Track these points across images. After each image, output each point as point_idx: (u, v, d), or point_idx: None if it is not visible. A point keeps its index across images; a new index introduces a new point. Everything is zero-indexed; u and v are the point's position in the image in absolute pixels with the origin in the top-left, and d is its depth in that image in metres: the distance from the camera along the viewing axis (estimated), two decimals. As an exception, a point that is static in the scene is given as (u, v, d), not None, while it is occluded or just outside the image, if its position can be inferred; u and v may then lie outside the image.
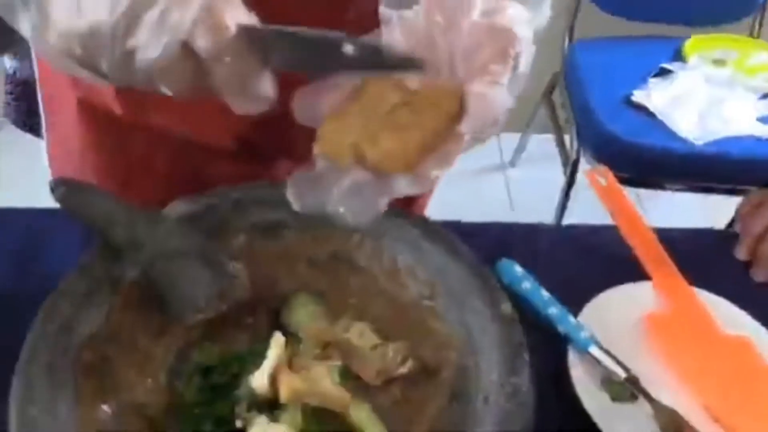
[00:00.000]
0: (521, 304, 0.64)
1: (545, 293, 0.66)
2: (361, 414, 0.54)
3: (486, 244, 0.72)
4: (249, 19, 0.46)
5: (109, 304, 0.57)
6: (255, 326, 0.60)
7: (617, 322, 0.67)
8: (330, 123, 0.51)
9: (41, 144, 0.90)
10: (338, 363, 0.56)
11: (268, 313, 0.60)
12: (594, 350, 0.63)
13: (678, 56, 1.79)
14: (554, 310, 0.65)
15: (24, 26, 0.47)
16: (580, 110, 1.72)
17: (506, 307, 0.58)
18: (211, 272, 0.56)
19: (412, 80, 0.51)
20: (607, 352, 0.63)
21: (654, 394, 0.62)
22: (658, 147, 1.57)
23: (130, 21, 0.42)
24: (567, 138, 1.84)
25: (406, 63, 0.48)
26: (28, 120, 1.66)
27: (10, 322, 0.56)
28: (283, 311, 0.60)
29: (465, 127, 0.48)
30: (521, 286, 0.66)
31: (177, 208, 0.61)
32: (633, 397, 0.63)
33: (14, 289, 0.65)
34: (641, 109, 1.65)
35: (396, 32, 0.51)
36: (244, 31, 0.44)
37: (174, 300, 0.56)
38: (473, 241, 0.69)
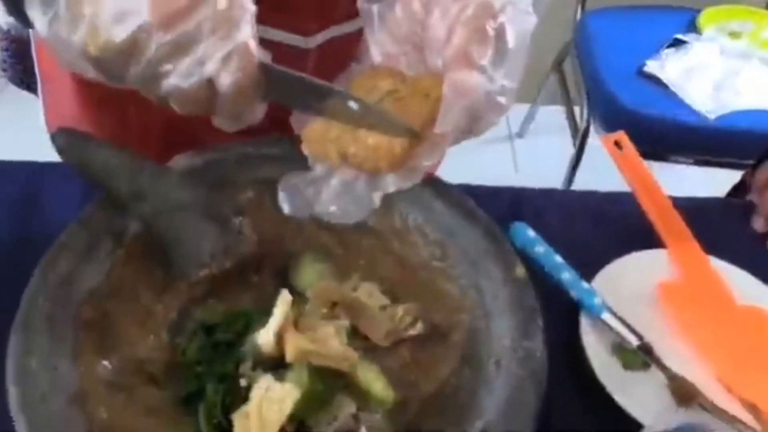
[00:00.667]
0: (533, 268, 0.62)
1: (558, 258, 0.65)
2: (368, 375, 0.52)
3: (497, 208, 0.71)
4: (267, 57, 0.47)
5: (110, 259, 0.56)
6: (260, 285, 0.58)
7: (630, 290, 0.65)
8: (315, 122, 0.50)
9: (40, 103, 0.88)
10: (346, 323, 0.54)
11: (274, 272, 0.59)
12: (607, 317, 0.62)
13: (692, 27, 1.75)
14: (567, 275, 0.63)
15: (37, 17, 0.46)
16: (591, 80, 1.69)
17: (520, 270, 0.56)
18: (217, 227, 0.54)
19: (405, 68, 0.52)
20: (621, 319, 0.62)
21: (667, 362, 0.61)
22: (669, 119, 1.54)
23: (173, 50, 0.44)
24: (577, 110, 1.81)
25: (402, 132, 0.49)
26: (25, 78, 1.63)
27: (8, 274, 0.54)
28: (290, 270, 0.59)
29: (441, 116, 0.48)
30: (534, 250, 0.65)
31: (181, 162, 0.59)
32: (645, 366, 0.61)
33: (13, 241, 0.64)
34: (654, 80, 1.61)
35: (380, 34, 0.53)
36: (263, 69, 0.47)
37: (178, 255, 0.55)
38: (484, 204, 0.67)
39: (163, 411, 0.52)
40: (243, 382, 0.52)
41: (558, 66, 1.99)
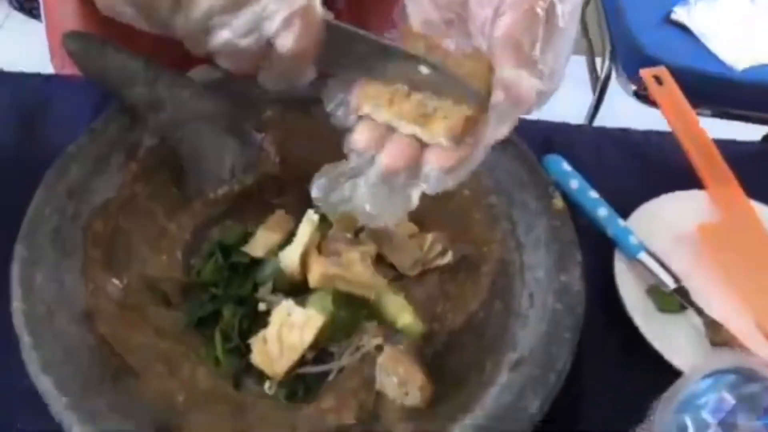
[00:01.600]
0: (567, 203, 0.59)
1: (594, 193, 0.61)
2: (396, 304, 0.50)
3: (529, 140, 0.67)
4: (329, 16, 0.44)
5: (122, 173, 0.52)
6: (282, 207, 0.55)
7: (667, 231, 0.62)
8: (371, 83, 0.44)
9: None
10: (372, 249, 0.51)
11: (297, 195, 0.55)
12: (643, 257, 0.59)
13: (723, -26, 1.69)
14: (603, 211, 0.60)
15: None
16: (615, 27, 1.63)
17: (557, 201, 0.53)
18: (238, 141, 0.51)
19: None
20: (658, 260, 0.59)
21: (704, 307, 0.58)
22: (694, 69, 1.49)
23: (231, 3, 0.41)
24: (598, 61, 1.76)
25: (465, 94, 0.43)
26: (26, 3, 1.58)
27: (14, 186, 0.51)
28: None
29: (493, 125, 0.42)
30: (568, 185, 0.61)
31: (201, 73, 0.55)
32: (681, 309, 0.58)
33: (20, 154, 0.60)
34: (681, 27, 1.56)
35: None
36: (326, 27, 0.43)
37: (195, 169, 0.51)
38: (517, 135, 0.64)
39: (175, 333, 0.49)
40: (262, 307, 0.49)
41: (581, 14, 1.93)
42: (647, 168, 0.70)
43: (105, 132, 0.53)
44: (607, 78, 1.66)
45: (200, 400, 0.45)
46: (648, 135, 0.73)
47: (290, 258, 0.48)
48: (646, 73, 0.72)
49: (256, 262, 0.51)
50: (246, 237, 0.53)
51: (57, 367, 0.43)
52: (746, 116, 1.61)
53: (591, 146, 0.71)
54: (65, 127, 0.63)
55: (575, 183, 0.61)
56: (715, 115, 1.63)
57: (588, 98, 1.78)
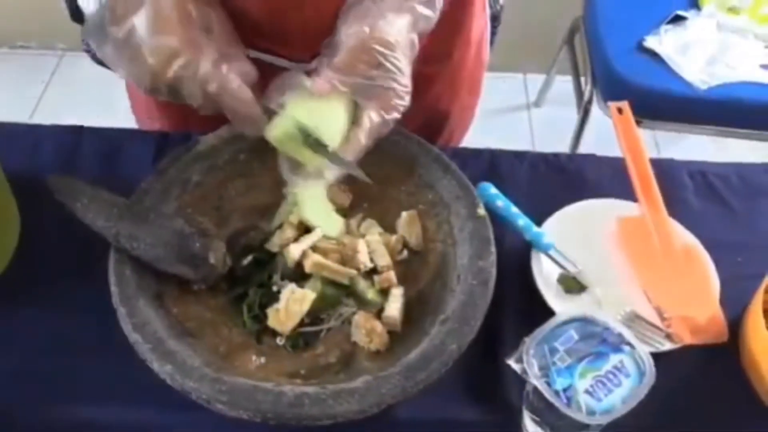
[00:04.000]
0: (497, 219, 0.79)
1: (515, 209, 0.82)
2: (364, 286, 0.72)
3: (477, 166, 0.90)
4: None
5: (178, 201, 0.76)
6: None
7: (576, 229, 0.82)
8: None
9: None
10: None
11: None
12: (552, 252, 0.80)
13: (693, 3, 1.88)
14: (521, 221, 0.81)
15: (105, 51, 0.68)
16: (596, 54, 1.83)
17: (481, 210, 0.75)
18: (190, 267, 0.69)
19: None
20: (562, 254, 0.80)
21: (601, 286, 0.79)
22: (663, 90, 1.68)
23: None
24: (583, 80, 1.96)
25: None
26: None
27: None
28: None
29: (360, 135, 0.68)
30: (495, 203, 0.81)
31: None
32: (582, 289, 0.79)
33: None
34: (652, 54, 1.75)
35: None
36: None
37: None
38: (467, 162, 0.86)
39: (218, 307, 0.72)
40: (275, 288, 0.72)
41: (570, 40, 2.14)
42: (568, 184, 0.91)
43: (167, 172, 0.76)
44: (590, 100, 1.86)
45: (235, 349, 0.68)
46: (574, 158, 0.95)
47: (295, 252, 0.71)
48: (612, 105, 0.91)
49: (272, 256, 0.74)
50: (265, 240, 0.75)
51: (141, 328, 0.66)
52: (717, 131, 1.79)
53: (527, 168, 0.92)
54: (134, 165, 0.87)
55: (500, 202, 0.82)
56: (689, 130, 1.82)
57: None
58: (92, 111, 2.03)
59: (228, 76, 0.67)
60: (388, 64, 0.66)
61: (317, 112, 0.67)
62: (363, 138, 0.68)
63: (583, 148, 1.96)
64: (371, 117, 0.67)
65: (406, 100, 0.68)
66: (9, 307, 0.75)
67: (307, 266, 0.70)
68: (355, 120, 0.68)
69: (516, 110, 2.47)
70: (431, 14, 0.70)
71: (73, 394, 0.69)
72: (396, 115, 0.68)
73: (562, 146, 2.04)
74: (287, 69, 0.73)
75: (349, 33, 0.67)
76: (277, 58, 0.79)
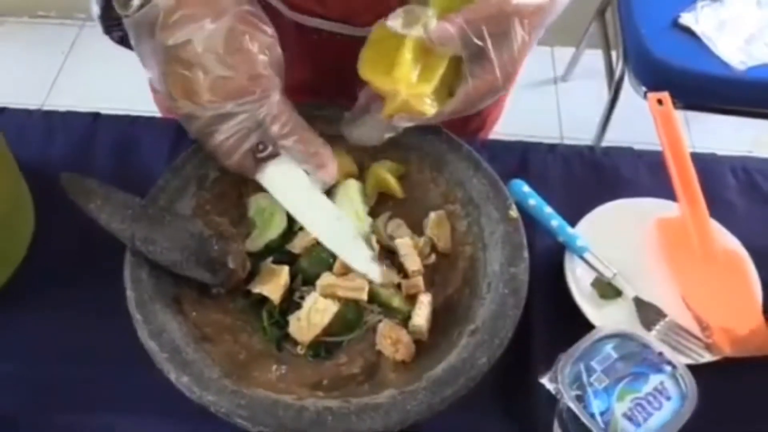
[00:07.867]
0: (529, 219, 0.75)
1: (548, 209, 0.78)
2: (389, 293, 0.69)
3: (509, 160, 0.86)
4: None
5: (195, 198, 0.73)
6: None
7: (611, 231, 0.78)
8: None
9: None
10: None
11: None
12: (587, 256, 0.76)
13: (732, -22, 1.81)
14: (555, 222, 0.77)
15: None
16: (628, 30, 1.76)
17: (513, 212, 0.71)
18: (209, 272, 0.66)
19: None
20: (598, 258, 0.76)
21: (637, 292, 0.75)
22: (699, 71, 1.62)
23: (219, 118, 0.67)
24: (614, 55, 1.90)
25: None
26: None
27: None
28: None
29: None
30: (527, 202, 0.78)
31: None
32: (618, 294, 0.75)
33: (116, 182, 0.80)
34: (687, 32, 1.68)
35: None
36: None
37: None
38: (498, 156, 0.82)
39: (237, 312, 0.69)
40: (297, 295, 0.69)
41: (601, 14, 2.07)
42: (602, 180, 0.86)
43: (183, 168, 0.73)
44: (621, 77, 1.80)
45: (255, 357, 0.65)
46: (610, 151, 0.91)
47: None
48: (651, 96, 0.85)
49: (294, 258, 0.71)
50: (285, 239, 0.72)
51: (158, 335, 0.63)
52: (756, 113, 1.73)
53: (560, 162, 0.88)
54: (151, 156, 0.84)
55: (533, 201, 0.78)
56: (726, 112, 1.75)
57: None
58: (112, 82, 2.03)
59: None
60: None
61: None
62: (459, 102, 0.65)
63: (612, 125, 1.91)
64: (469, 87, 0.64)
65: (506, 88, 0.65)
66: (21, 303, 0.73)
67: (319, 289, 0.67)
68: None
69: (543, 84, 2.40)
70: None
71: (91, 401, 0.68)
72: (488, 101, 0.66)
73: (589, 123, 1.98)
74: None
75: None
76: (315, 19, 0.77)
